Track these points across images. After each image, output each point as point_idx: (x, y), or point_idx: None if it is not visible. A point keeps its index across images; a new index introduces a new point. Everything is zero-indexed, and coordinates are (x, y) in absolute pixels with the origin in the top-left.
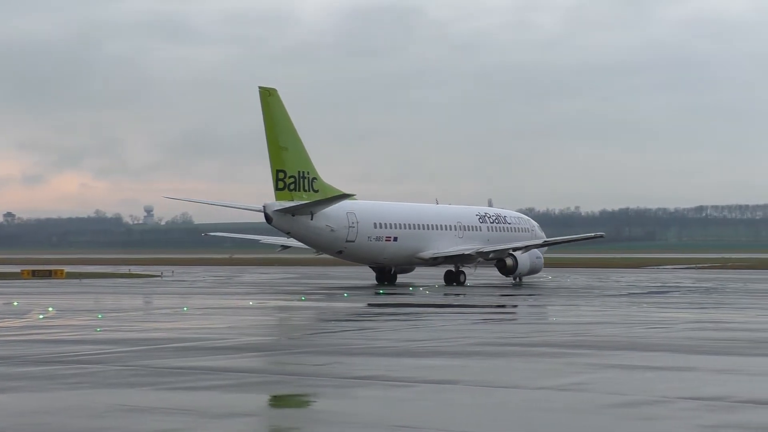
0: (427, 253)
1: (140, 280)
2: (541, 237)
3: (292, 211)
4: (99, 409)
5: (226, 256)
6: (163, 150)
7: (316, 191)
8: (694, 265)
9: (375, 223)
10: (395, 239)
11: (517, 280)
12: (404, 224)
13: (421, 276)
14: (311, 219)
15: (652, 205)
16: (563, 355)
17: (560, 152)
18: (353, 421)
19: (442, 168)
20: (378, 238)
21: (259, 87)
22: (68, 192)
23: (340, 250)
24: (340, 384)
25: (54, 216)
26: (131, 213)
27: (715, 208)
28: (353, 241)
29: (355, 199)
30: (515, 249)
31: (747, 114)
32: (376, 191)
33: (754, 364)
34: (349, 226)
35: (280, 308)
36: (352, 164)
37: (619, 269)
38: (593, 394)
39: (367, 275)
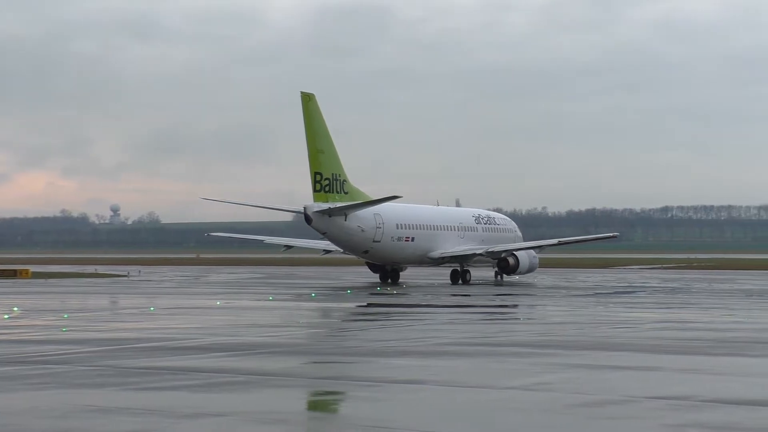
0: (436, 253)
1: (106, 280)
2: (520, 237)
3: (329, 212)
4: (64, 409)
5: (193, 255)
6: (131, 149)
7: (346, 193)
8: (659, 265)
9: (397, 224)
10: (412, 239)
11: (499, 278)
12: (420, 225)
13: (414, 275)
14: (345, 220)
15: (619, 206)
16: (530, 355)
17: (528, 152)
18: (321, 421)
19: (411, 168)
20: (399, 239)
21: (301, 92)
22: (34, 191)
23: (366, 250)
24: (308, 384)
25: (19, 215)
26: (98, 212)
27: (681, 208)
28: (379, 242)
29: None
30: (518, 249)
31: (713, 115)
32: None
33: (719, 364)
34: (377, 227)
35: (248, 308)
36: None
37: (586, 269)
38: (559, 394)
39: (336, 275)
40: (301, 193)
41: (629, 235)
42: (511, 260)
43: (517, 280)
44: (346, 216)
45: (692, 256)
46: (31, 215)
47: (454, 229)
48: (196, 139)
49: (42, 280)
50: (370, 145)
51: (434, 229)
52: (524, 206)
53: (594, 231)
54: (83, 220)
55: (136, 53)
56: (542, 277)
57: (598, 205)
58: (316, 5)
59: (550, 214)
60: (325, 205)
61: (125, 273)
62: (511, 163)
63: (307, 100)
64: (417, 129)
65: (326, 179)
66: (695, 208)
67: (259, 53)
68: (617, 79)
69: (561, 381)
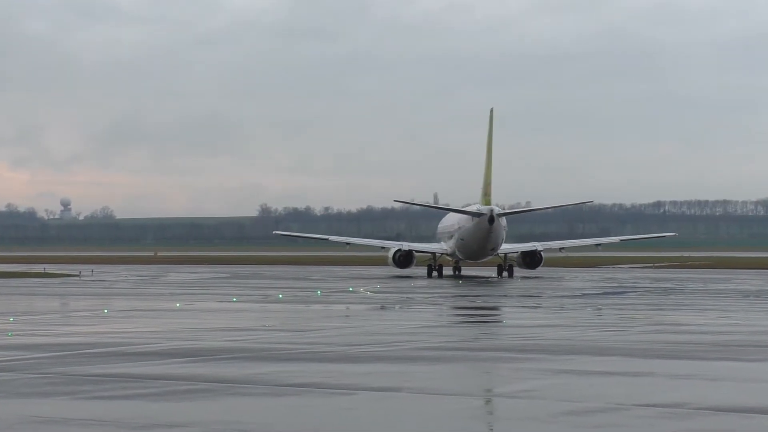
0: (501, 250)
1: (56, 280)
2: None
3: (500, 215)
4: (9, 420)
5: (151, 253)
6: (84, 139)
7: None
8: (651, 264)
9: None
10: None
11: (433, 274)
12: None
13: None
14: (499, 221)
15: (608, 201)
16: (513, 360)
17: (511, 143)
18: (288, 431)
19: (384, 160)
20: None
21: (491, 108)
22: None
23: (493, 248)
24: (275, 392)
25: None
26: (47, 207)
27: (674, 203)
28: (504, 240)
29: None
30: (572, 246)
31: (708, 105)
32: (314, 184)
33: (714, 369)
34: (505, 228)
35: (210, 311)
36: (289, 155)
37: (572, 268)
38: (545, 402)
39: (302, 273)
40: (265, 186)
41: (619, 232)
42: (537, 256)
43: (488, 281)
44: (498, 218)
45: (686, 254)
46: None
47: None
48: (154, 129)
49: None
50: (339, 135)
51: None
52: (506, 201)
53: (582, 227)
54: (31, 215)
55: (92, 36)
56: (526, 276)
57: (586, 199)
58: None
59: None
60: (498, 209)
61: (77, 272)
62: (494, 154)
63: (492, 114)
64: (389, 118)
65: (489, 185)
66: (689, 203)
67: (221, 36)
68: (606, 65)
69: (546, 388)
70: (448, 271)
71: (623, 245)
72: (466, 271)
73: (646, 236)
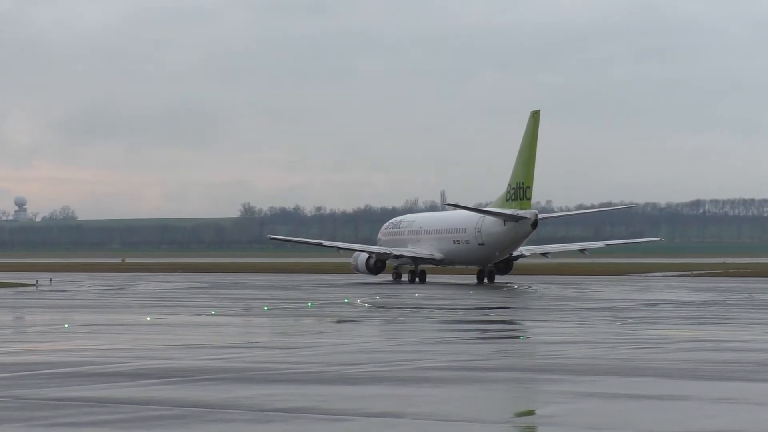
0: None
1: (9, 290)
2: None
3: (543, 219)
4: None
5: (118, 259)
6: (42, 129)
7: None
8: (689, 272)
9: None
10: None
11: (416, 280)
12: None
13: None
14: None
15: (640, 200)
16: (532, 382)
17: None
18: None
19: (388, 154)
20: None
21: (538, 110)
22: None
23: (510, 253)
24: (260, 418)
25: None
26: None
27: (715, 203)
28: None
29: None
30: (557, 251)
31: (755, 90)
32: (305, 181)
33: (759, 392)
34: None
35: (185, 325)
36: (277, 148)
37: (598, 276)
38: (568, 429)
39: (291, 282)
40: (249, 183)
41: (652, 235)
42: (510, 262)
43: (502, 291)
44: None
45: (729, 260)
46: None
47: None
48: (124, 118)
49: None
50: (339, 125)
51: None
52: None
53: (609, 229)
54: None
55: (54, 11)
56: (545, 286)
57: (614, 198)
58: None
59: (555, 209)
60: (538, 214)
61: (33, 281)
62: (506, 148)
63: (537, 116)
64: (395, 106)
65: (528, 188)
66: (732, 202)
67: (202, 11)
68: (636, 44)
69: (569, 413)
70: (432, 278)
71: (609, 250)
72: (440, 278)
73: (632, 241)
